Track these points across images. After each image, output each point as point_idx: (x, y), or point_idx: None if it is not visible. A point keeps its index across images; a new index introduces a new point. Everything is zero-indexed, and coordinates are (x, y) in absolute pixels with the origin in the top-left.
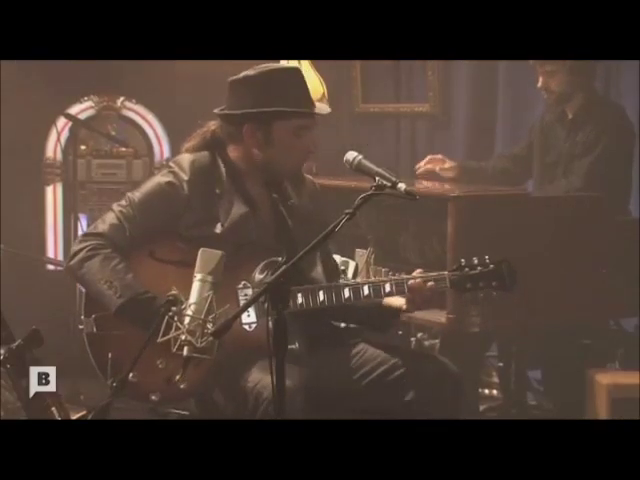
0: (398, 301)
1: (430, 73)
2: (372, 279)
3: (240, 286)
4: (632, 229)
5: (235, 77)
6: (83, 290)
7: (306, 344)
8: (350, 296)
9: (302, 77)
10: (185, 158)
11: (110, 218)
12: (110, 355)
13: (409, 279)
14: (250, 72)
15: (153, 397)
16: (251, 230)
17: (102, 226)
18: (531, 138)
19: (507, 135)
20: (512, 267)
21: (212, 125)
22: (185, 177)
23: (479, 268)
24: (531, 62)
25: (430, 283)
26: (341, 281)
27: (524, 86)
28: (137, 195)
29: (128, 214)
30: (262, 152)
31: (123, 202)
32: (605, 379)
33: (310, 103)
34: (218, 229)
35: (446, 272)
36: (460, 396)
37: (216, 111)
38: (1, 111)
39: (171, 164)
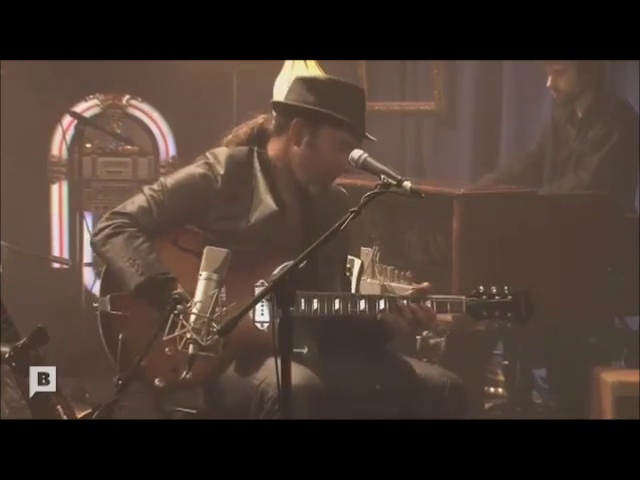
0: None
1: (436, 71)
2: (388, 294)
3: (258, 284)
4: (638, 227)
5: (303, 75)
6: (102, 269)
7: (317, 347)
8: (365, 308)
9: (364, 99)
10: (223, 152)
11: (140, 200)
12: (120, 336)
13: (426, 299)
14: (319, 75)
15: (157, 382)
16: (277, 230)
17: (130, 207)
18: (543, 139)
19: (512, 133)
20: (530, 299)
21: (260, 118)
22: (221, 171)
23: (497, 297)
24: (539, 61)
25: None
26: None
27: (529, 84)
28: (170, 182)
29: (158, 199)
30: (301, 151)
31: (155, 186)
32: (610, 377)
33: (363, 125)
34: (245, 225)
35: (463, 297)
36: (465, 409)
37: (274, 100)
38: (7, 109)
39: (208, 155)
